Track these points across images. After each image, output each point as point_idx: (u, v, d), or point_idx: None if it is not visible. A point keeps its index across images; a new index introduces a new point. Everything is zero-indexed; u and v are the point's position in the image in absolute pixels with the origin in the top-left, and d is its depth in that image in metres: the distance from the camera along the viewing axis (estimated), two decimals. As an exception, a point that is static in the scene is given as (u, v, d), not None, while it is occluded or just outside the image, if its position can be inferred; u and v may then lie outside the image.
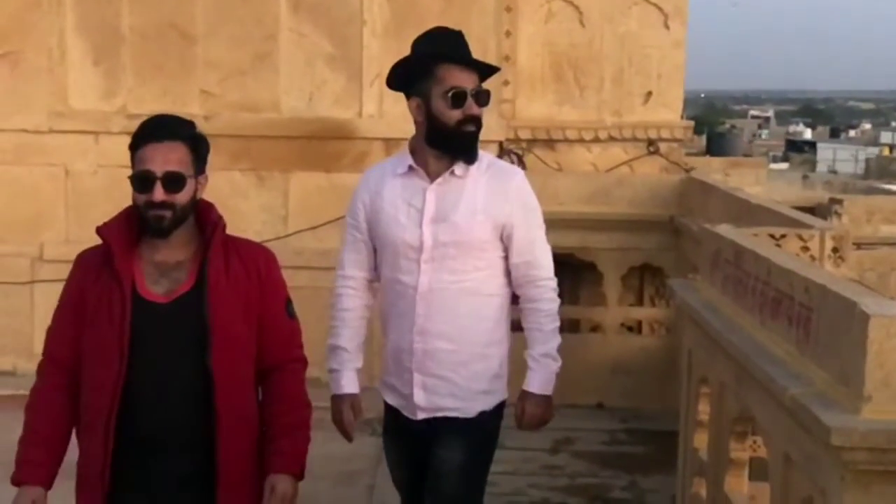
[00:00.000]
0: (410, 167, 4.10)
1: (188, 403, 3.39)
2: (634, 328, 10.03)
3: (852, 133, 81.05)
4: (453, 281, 4.06)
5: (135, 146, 3.43)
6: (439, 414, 4.13)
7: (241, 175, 9.51)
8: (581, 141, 10.07)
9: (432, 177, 4.08)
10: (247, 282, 3.48)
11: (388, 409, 4.35)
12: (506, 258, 4.15)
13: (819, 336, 3.95)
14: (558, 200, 9.44)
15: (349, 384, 4.25)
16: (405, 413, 4.22)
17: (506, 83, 9.83)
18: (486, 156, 4.17)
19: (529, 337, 4.19)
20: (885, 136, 70.69)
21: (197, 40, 9.60)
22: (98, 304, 3.42)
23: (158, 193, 3.37)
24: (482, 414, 4.17)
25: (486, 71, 4.14)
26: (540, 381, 4.17)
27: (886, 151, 55.26)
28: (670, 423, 6.77)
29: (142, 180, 3.39)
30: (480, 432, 4.21)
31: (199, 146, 3.48)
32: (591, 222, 9.32)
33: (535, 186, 10.13)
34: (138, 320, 3.38)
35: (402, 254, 4.08)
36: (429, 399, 4.15)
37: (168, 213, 3.39)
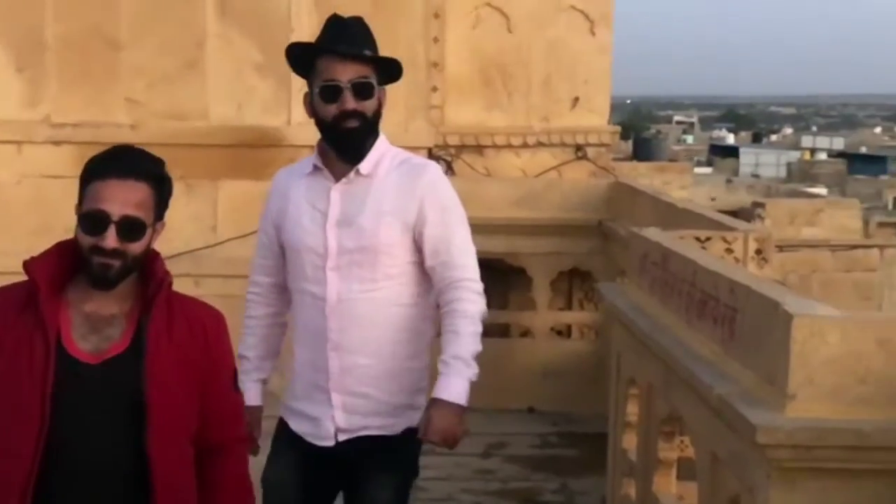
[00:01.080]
0: (316, 167, 3.79)
1: (118, 486, 2.88)
2: (564, 332, 10.11)
3: (774, 138, 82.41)
4: (363, 290, 3.71)
5: (88, 179, 2.91)
6: (363, 433, 3.77)
7: (168, 183, 9.43)
8: (509, 146, 10.16)
9: (337, 176, 3.75)
10: (192, 347, 2.98)
11: (287, 432, 3.92)
12: (421, 263, 3.77)
13: (744, 336, 4.03)
14: (487, 206, 9.50)
15: (250, 396, 3.81)
16: (314, 441, 3.82)
17: (434, 89, 9.87)
18: (400, 152, 3.82)
19: (444, 340, 3.75)
20: (806, 141, 72.05)
21: (122, 47, 9.52)
22: (16, 350, 2.85)
23: (111, 240, 2.85)
24: (408, 431, 3.80)
25: (381, 62, 3.74)
26: (449, 387, 3.66)
27: (807, 155, 56.28)
28: (600, 426, 6.84)
29: (93, 221, 2.86)
30: (406, 460, 3.87)
31: (163, 188, 3.04)
32: (519, 227, 9.39)
33: (464, 192, 10.17)
34: (62, 379, 2.83)
35: (308, 261, 3.74)
36: (350, 419, 3.77)
37: (117, 263, 2.88)
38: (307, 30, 9.63)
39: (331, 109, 3.67)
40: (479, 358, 3.80)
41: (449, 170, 9.95)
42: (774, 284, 4.35)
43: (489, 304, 10.84)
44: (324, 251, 3.71)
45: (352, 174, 3.73)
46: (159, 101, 9.49)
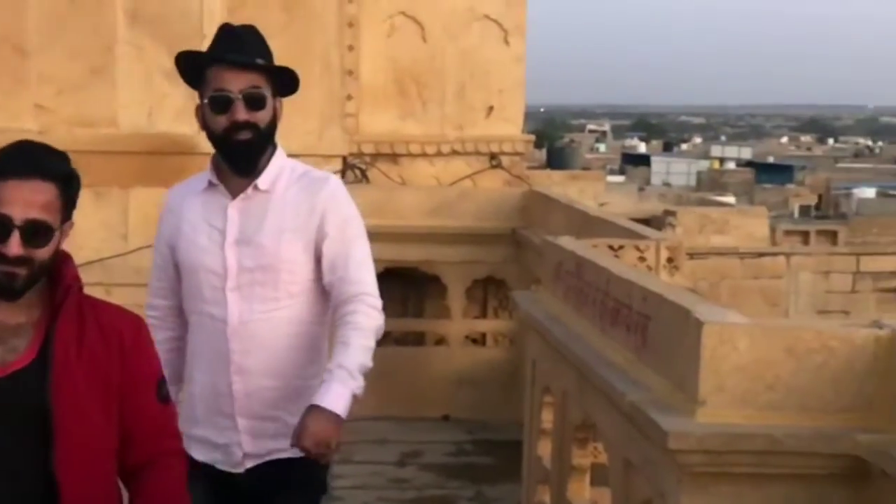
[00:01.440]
0: (211, 183, 3.59)
1: None
2: (479, 340, 10.15)
3: (684, 147, 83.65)
4: (265, 310, 3.56)
5: None
6: (272, 457, 3.62)
7: (78, 191, 9.29)
8: (424, 155, 10.18)
9: (234, 192, 3.56)
10: (106, 358, 2.71)
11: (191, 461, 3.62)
12: (319, 279, 3.60)
13: (656, 343, 4.09)
14: (402, 215, 9.51)
15: None
16: (223, 468, 3.67)
17: (349, 98, 9.86)
18: (298, 165, 3.66)
19: (333, 351, 3.56)
20: (716, 150, 73.22)
21: (30, 54, 9.33)
22: None
23: (14, 246, 2.59)
24: None
25: (275, 72, 3.59)
26: (329, 394, 3.42)
27: (717, 164, 57.22)
28: (515, 433, 6.88)
29: None
30: (316, 480, 3.71)
31: (71, 186, 2.76)
32: (434, 236, 9.41)
33: (378, 201, 10.22)
34: None
35: (206, 281, 3.58)
36: (258, 444, 3.63)
37: (23, 272, 2.62)
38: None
39: (221, 121, 3.49)
40: (369, 374, 3.61)
41: (363, 178, 9.95)
42: (686, 292, 4.42)
43: (404, 313, 10.84)
44: (223, 271, 3.56)
45: (249, 190, 3.56)
46: (68, 108, 9.32)
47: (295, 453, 3.51)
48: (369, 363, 3.56)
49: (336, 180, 3.66)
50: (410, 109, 10.20)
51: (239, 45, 3.54)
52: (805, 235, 28.13)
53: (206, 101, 3.52)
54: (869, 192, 42.40)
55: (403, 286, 9.99)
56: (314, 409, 3.41)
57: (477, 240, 9.44)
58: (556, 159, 28.41)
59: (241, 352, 3.56)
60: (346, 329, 3.54)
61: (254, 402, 3.59)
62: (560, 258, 5.56)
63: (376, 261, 10.93)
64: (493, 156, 10.26)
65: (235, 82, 3.48)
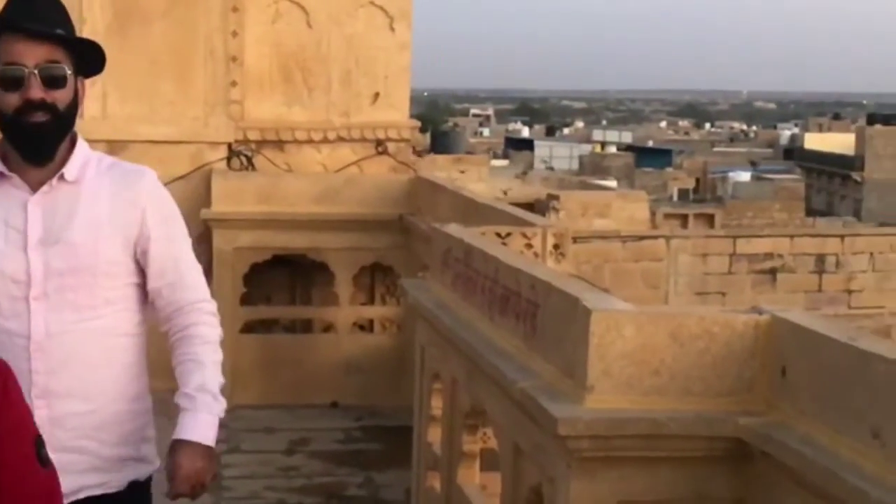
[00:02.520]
0: (2, 174, 3.05)
1: None
2: (366, 327, 10.17)
3: (567, 131, 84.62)
4: (78, 321, 3.06)
5: None
6: (80, 495, 3.07)
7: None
8: (310, 142, 10.12)
9: (34, 185, 3.05)
10: None
11: None
12: (143, 285, 3.16)
13: (545, 331, 4.16)
14: (288, 201, 9.47)
15: None
16: None
17: (234, 84, 9.75)
18: (105, 157, 3.20)
19: (182, 371, 3.16)
20: (597, 134, 74.28)
21: None
22: None
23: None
24: (133, 486, 3.16)
25: (78, 46, 3.08)
26: (197, 426, 3.08)
27: (598, 148, 58.03)
28: (404, 419, 6.93)
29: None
30: None
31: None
32: (321, 223, 9.39)
33: (264, 188, 10.13)
34: None
35: (4, 291, 3.04)
36: (65, 481, 2.95)
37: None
38: (100, 21, 9.38)
39: (12, 99, 2.97)
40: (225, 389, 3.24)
41: (249, 165, 9.86)
42: (574, 280, 4.50)
43: (292, 300, 10.76)
44: (25, 277, 3.03)
45: (54, 181, 3.04)
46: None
47: (107, 489, 3.13)
48: (223, 379, 3.22)
49: (153, 173, 3.19)
50: (296, 96, 10.13)
51: (36, 12, 3.03)
52: (684, 218, 28.77)
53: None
54: (744, 176, 43.49)
55: (291, 273, 9.95)
56: (183, 445, 3.08)
57: (364, 226, 9.45)
58: (441, 144, 28.47)
59: (46, 372, 3.04)
60: (194, 345, 3.18)
61: (59, 431, 3.03)
62: (448, 245, 5.61)
63: (264, 248, 10.83)
64: (379, 142, 10.26)
65: (30, 55, 2.97)
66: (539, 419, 3.80)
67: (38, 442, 2.27)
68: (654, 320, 3.68)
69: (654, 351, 3.64)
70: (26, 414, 2.26)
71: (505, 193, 15.69)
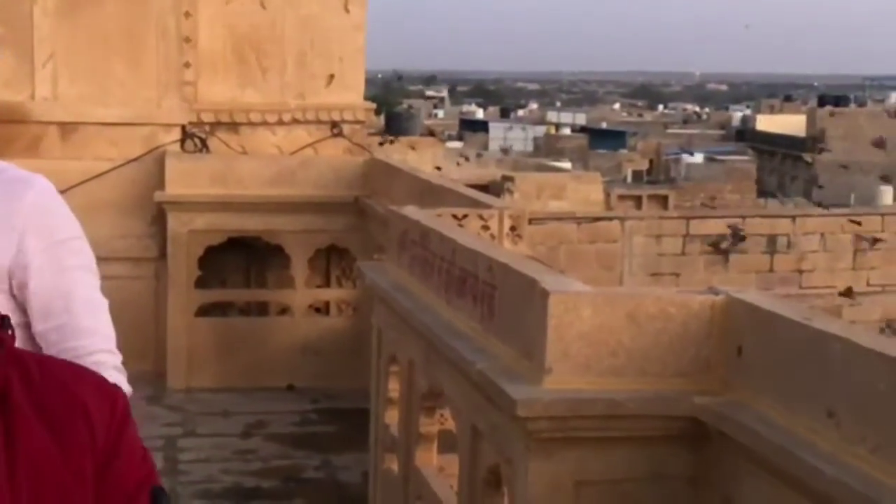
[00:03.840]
0: None
1: None
2: (322, 309, 10.14)
3: (521, 113, 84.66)
4: None
5: None
6: None
7: None
8: (265, 124, 10.05)
9: None
10: (62, 461, 1.53)
11: None
12: (27, 326, 2.48)
13: (503, 313, 4.17)
14: (243, 184, 9.41)
15: None
16: None
17: (187, 65, 9.66)
18: None
19: None
20: (552, 115, 74.35)
21: None
22: None
23: None
24: None
25: None
26: None
27: (552, 130, 58.12)
28: (361, 401, 6.92)
29: None
30: None
31: None
32: (276, 205, 9.34)
33: (219, 170, 10.07)
34: None
35: None
36: None
37: None
38: (51, 2, 9.26)
39: None
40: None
41: (204, 147, 9.78)
42: (531, 262, 4.51)
43: (247, 283, 10.67)
44: None
45: None
46: None
47: None
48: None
49: (43, 182, 2.51)
50: (250, 77, 10.05)
51: None
52: (638, 200, 28.89)
53: None
54: (697, 158, 43.73)
55: (246, 256, 9.89)
56: None
57: (319, 209, 9.41)
58: (395, 126, 28.37)
59: None
60: None
61: None
62: (405, 228, 5.60)
63: (218, 231, 10.72)
64: (334, 124, 10.21)
65: None
66: (497, 401, 3.81)
67: (157, 497, 1.61)
68: (611, 301, 3.69)
69: (611, 332, 3.65)
70: (142, 457, 1.66)
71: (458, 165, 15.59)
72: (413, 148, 16.63)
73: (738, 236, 10.86)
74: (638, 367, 3.66)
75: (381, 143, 11.59)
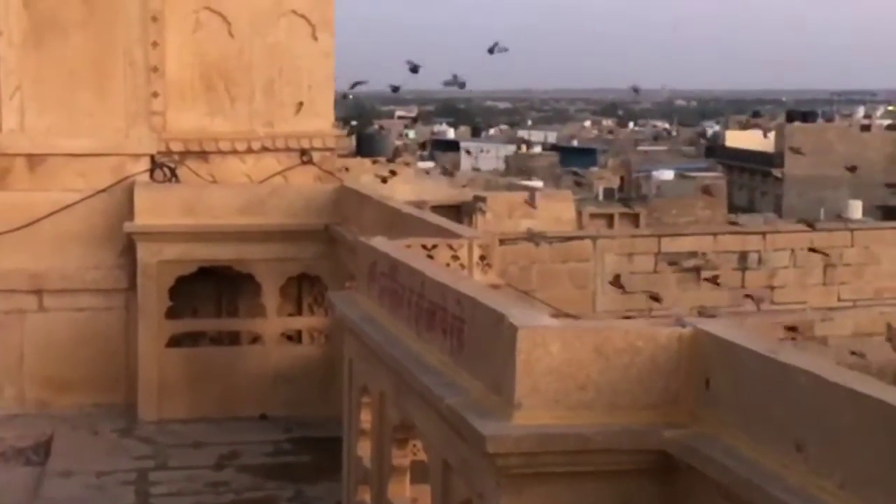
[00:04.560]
0: None
1: None
2: (295, 337, 10.11)
3: (492, 131, 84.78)
4: None
5: None
6: None
7: None
8: (234, 152, 10.03)
9: None
10: None
11: None
12: None
13: (472, 346, 4.17)
14: (213, 213, 9.38)
15: None
16: None
17: (155, 95, 9.63)
18: None
19: None
20: (522, 134, 74.50)
21: None
22: None
23: None
24: None
25: None
26: None
27: (524, 149, 58.24)
28: (334, 430, 6.88)
29: None
30: None
31: None
32: (246, 234, 9.31)
33: (189, 199, 10.03)
34: None
35: None
36: None
37: None
38: (16, 32, 9.22)
39: None
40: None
41: (173, 177, 9.75)
42: (500, 295, 4.52)
43: (218, 313, 10.58)
44: None
45: None
46: None
47: None
48: None
49: None
50: (219, 106, 10.02)
51: None
52: (609, 218, 28.95)
53: None
54: (668, 174, 43.92)
55: (217, 285, 9.85)
56: None
57: (289, 237, 9.40)
58: (366, 146, 28.35)
59: None
60: None
61: None
62: (374, 259, 5.60)
63: (189, 261, 10.70)
64: (303, 152, 10.20)
65: None
66: (467, 436, 3.81)
67: None
68: (579, 336, 3.71)
69: (579, 366, 3.67)
70: None
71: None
72: (394, 173, 16.59)
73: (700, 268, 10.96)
74: (607, 401, 3.68)
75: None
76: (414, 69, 9.21)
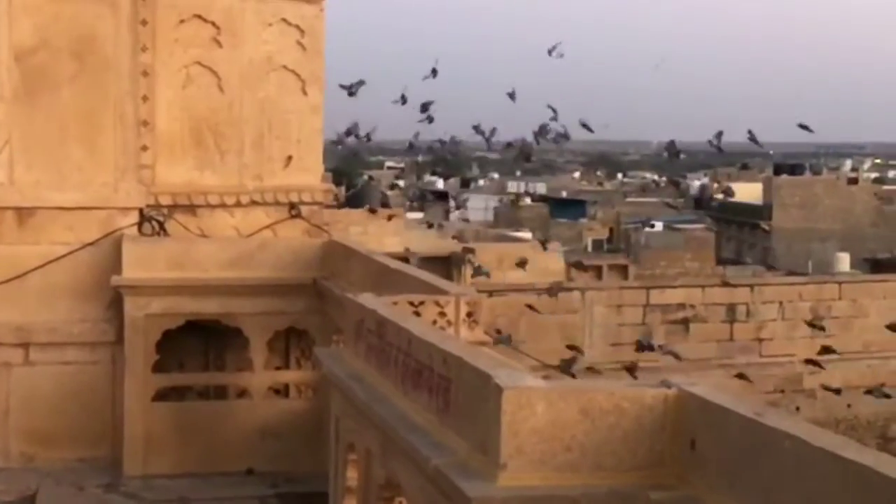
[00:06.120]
0: None
1: None
2: (282, 391, 10.08)
3: (482, 182, 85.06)
4: None
5: None
6: None
7: None
8: (223, 206, 10.05)
9: None
10: None
11: None
12: None
13: (458, 406, 4.17)
14: (201, 267, 9.38)
15: None
16: None
17: (144, 149, 9.66)
18: None
19: None
20: (512, 185, 74.77)
21: None
22: None
23: None
24: None
25: None
26: None
27: (513, 200, 58.40)
28: (321, 485, 6.85)
29: None
30: None
31: None
32: (234, 288, 9.31)
33: (177, 253, 10.03)
34: None
35: None
36: None
37: None
38: (7, 86, 9.27)
39: None
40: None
41: (162, 230, 9.76)
42: (486, 355, 4.53)
43: (206, 367, 10.56)
44: None
45: None
46: None
47: None
48: None
49: None
50: (208, 160, 10.06)
51: None
52: (598, 270, 28.97)
53: None
54: (657, 227, 44.03)
55: (204, 339, 9.83)
56: None
57: (277, 290, 9.40)
58: (356, 197, 28.40)
59: None
60: None
61: None
62: (361, 316, 5.61)
63: (176, 314, 10.68)
64: (292, 205, 10.22)
65: None
66: (453, 497, 3.81)
67: None
68: (564, 396, 3.71)
69: (565, 427, 3.67)
70: None
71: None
72: (389, 218, 16.57)
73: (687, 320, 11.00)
74: (592, 462, 3.68)
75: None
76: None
